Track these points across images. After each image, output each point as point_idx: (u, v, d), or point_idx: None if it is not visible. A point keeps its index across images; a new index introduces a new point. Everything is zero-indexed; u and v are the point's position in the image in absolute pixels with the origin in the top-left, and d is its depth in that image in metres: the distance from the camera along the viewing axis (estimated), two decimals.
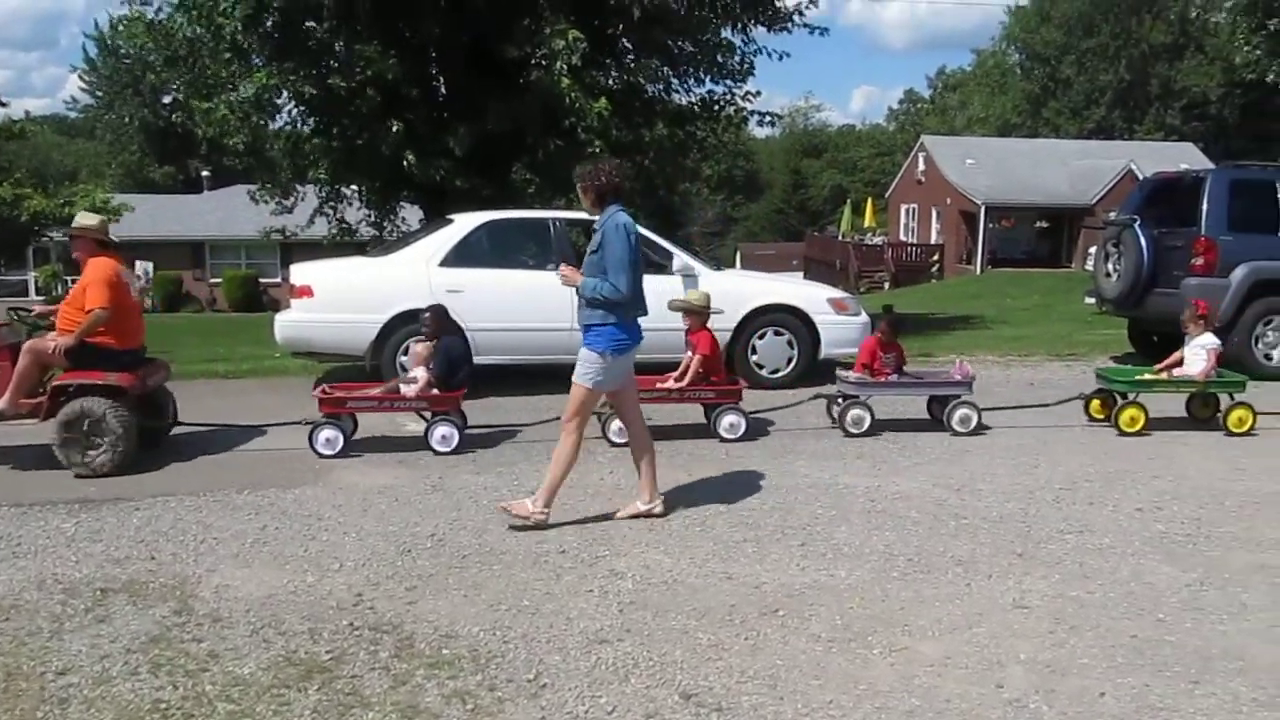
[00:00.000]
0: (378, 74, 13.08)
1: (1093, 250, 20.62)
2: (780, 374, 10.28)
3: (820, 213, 79.78)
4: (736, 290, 10.28)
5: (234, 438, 8.03)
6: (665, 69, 15.51)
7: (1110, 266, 12.56)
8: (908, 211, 51.74)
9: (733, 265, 60.02)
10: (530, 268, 10.23)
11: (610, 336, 5.72)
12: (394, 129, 13.30)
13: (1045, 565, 5.19)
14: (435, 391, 7.69)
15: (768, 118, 16.88)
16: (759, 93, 16.40)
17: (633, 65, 14.89)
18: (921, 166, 48.87)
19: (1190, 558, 5.35)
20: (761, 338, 10.25)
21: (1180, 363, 8.59)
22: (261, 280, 39.93)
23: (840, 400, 8.29)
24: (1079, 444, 8.05)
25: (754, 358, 10.25)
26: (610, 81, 14.62)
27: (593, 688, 3.85)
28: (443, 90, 14.77)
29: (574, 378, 5.74)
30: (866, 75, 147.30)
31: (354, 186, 16.17)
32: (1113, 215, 13.22)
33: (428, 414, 7.73)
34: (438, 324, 7.97)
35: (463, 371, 7.93)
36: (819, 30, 16.28)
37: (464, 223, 10.06)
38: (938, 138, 53.26)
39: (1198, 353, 8.49)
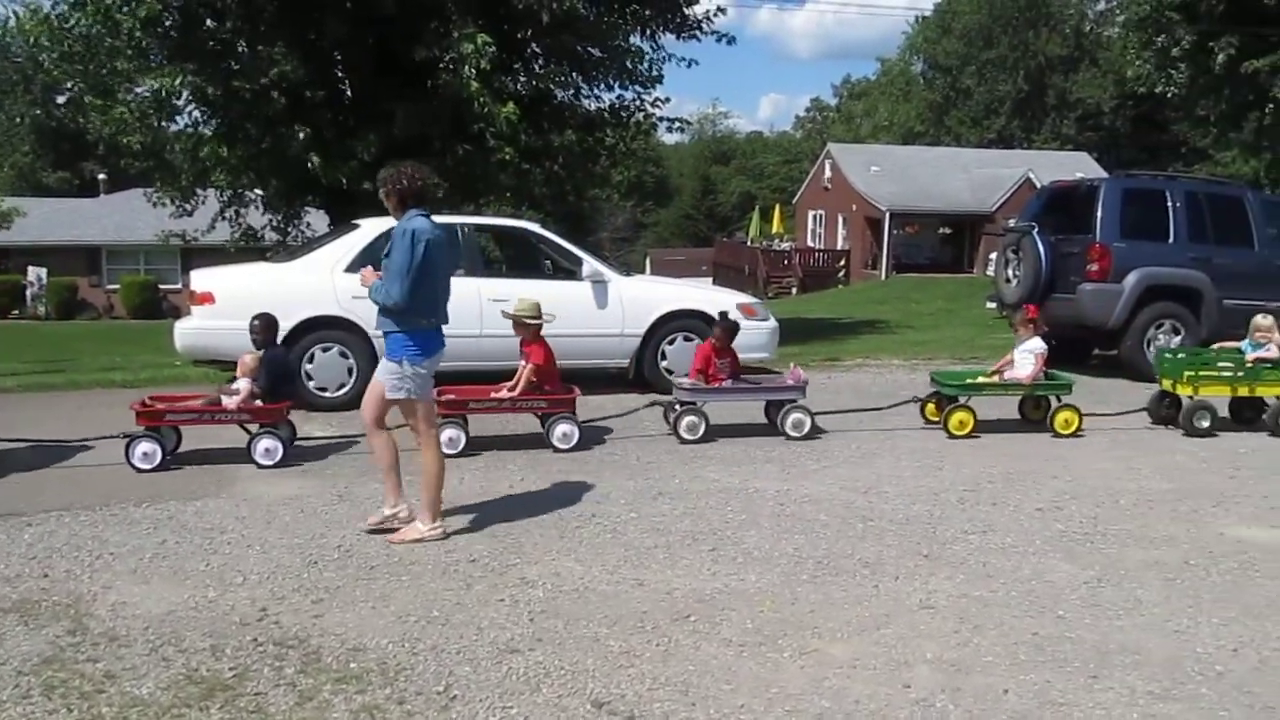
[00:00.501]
0: (282, 76, 12.84)
1: (993, 256, 21.12)
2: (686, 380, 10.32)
3: (729, 219, 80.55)
4: (646, 296, 10.31)
5: (55, 454, 7.59)
6: (575, 75, 15.51)
7: (1010, 272, 12.88)
8: (815, 218, 52.46)
9: (643, 271, 60.22)
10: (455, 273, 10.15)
11: (401, 344, 5.67)
12: (300, 135, 13.06)
13: (950, 566, 5.29)
14: (259, 403, 7.46)
15: (677, 124, 16.99)
16: (668, 99, 16.53)
17: (542, 71, 14.87)
18: (828, 173, 49.59)
19: (1088, 556, 5.50)
20: (671, 343, 10.28)
21: (1012, 365, 8.81)
22: (161, 286, 38.90)
23: (676, 407, 8.27)
24: (982, 446, 8.23)
25: (664, 363, 10.28)
26: (519, 87, 14.57)
27: (504, 698, 3.81)
28: (349, 94, 14.55)
29: (384, 391, 5.64)
30: (774, 83, 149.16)
31: (257, 190, 15.85)
32: (1012, 222, 13.58)
33: (252, 426, 7.46)
34: (266, 334, 7.78)
35: (294, 384, 7.75)
36: (727, 38, 16.44)
37: (371, 227, 9.90)
38: (844, 145, 54.13)
39: (1026, 356, 8.69)
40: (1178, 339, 11.90)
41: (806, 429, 8.15)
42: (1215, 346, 9.46)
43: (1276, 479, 7.28)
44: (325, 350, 9.34)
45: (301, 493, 6.58)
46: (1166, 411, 8.97)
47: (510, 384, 8.01)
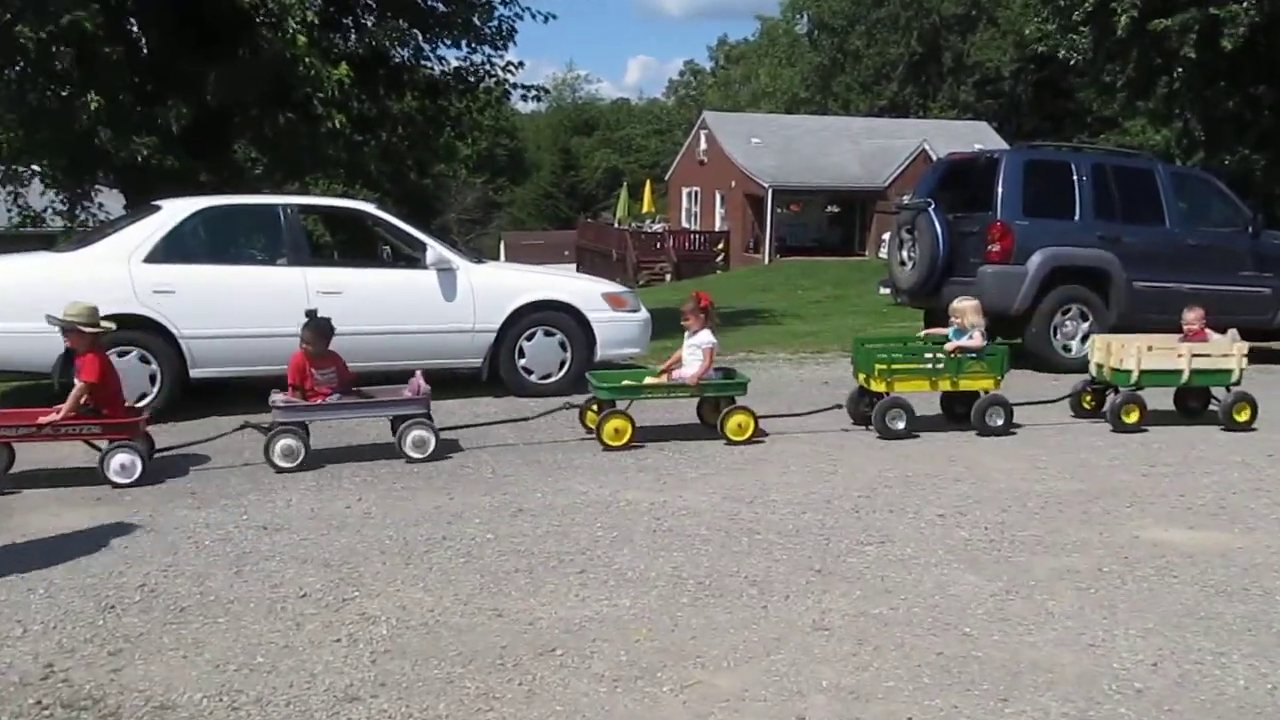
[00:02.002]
0: (75, 25, 12.21)
1: (886, 237, 21.67)
2: (552, 379, 10.33)
3: (594, 197, 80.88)
4: (500, 285, 10.27)
5: None
6: (414, 32, 15.32)
7: (905, 254, 13.21)
8: (689, 195, 53.04)
9: (496, 257, 59.98)
10: (257, 262, 9.96)
11: None
12: (91, 102, 12.53)
13: (845, 581, 5.38)
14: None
15: (532, 91, 16.95)
16: (521, 64, 16.49)
17: (376, 27, 14.62)
18: (704, 145, 50.16)
19: (995, 565, 5.66)
20: (530, 339, 10.28)
21: (681, 364, 8.66)
22: None
23: (271, 428, 7.77)
24: (878, 447, 8.41)
25: (522, 361, 10.25)
26: (351, 46, 14.32)
27: None
28: (146, 52, 14.06)
29: None
30: (642, 44, 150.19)
31: (37, 166, 15.22)
32: (906, 199, 13.91)
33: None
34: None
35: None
36: None
37: (175, 210, 9.63)
38: (721, 114, 54.88)
39: (694, 353, 8.54)
40: (1086, 325, 12.36)
41: (430, 448, 7.80)
42: (923, 333, 9.80)
43: (1192, 476, 7.62)
44: (122, 355, 8.99)
45: (94, 524, 6.34)
46: (865, 410, 8.97)
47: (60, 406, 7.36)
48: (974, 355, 8.76)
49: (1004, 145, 37.56)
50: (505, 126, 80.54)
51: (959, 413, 9.14)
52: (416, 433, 7.83)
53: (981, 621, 4.90)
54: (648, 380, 8.59)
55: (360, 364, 9.41)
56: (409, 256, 10.40)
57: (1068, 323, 12.40)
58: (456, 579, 5.40)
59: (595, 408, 8.66)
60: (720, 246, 46.42)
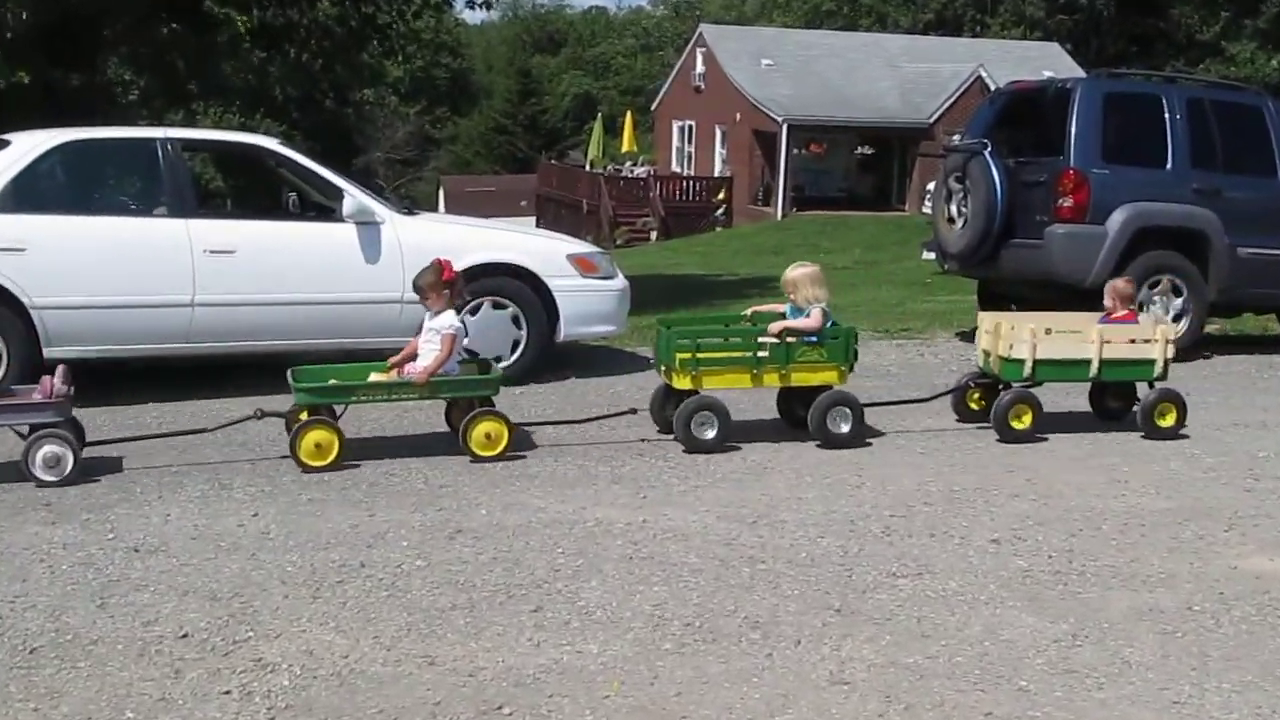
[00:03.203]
0: None
1: (931, 187, 21.71)
2: (502, 364, 10.30)
3: (559, 132, 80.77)
4: (437, 243, 10.19)
5: None
6: None
7: (953, 209, 13.23)
8: (682, 132, 53.07)
9: (433, 207, 59.74)
10: (130, 213, 9.94)
11: None
12: None
13: (872, 623, 5.41)
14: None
15: None
16: None
17: None
18: (700, 68, 50.14)
19: (1060, 603, 5.70)
20: (475, 312, 10.31)
21: (413, 358, 8.45)
22: None
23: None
24: (918, 452, 8.47)
25: (465, 341, 10.23)
26: None
27: None
28: None
29: None
30: None
31: None
32: (956, 139, 13.96)
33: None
34: None
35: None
36: None
37: (26, 146, 9.62)
38: (723, 28, 54.94)
39: (431, 340, 8.34)
40: (1179, 302, 12.38)
41: (69, 468, 7.47)
42: (751, 311, 9.35)
43: None
44: None
45: None
46: (670, 415, 8.75)
47: None
48: (810, 340, 8.53)
49: (1080, 73, 37.48)
50: (447, 41, 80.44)
51: (801, 416, 8.88)
52: (48, 449, 7.44)
53: (1041, 673, 4.94)
54: (373, 378, 8.37)
55: (258, 343, 9.42)
56: (321, 206, 10.40)
57: (1156, 299, 12.40)
58: (377, 617, 5.41)
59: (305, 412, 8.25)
60: (721, 197, 46.53)
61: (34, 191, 9.48)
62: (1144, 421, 9.00)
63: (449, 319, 8.27)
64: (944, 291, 18.24)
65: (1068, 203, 12.17)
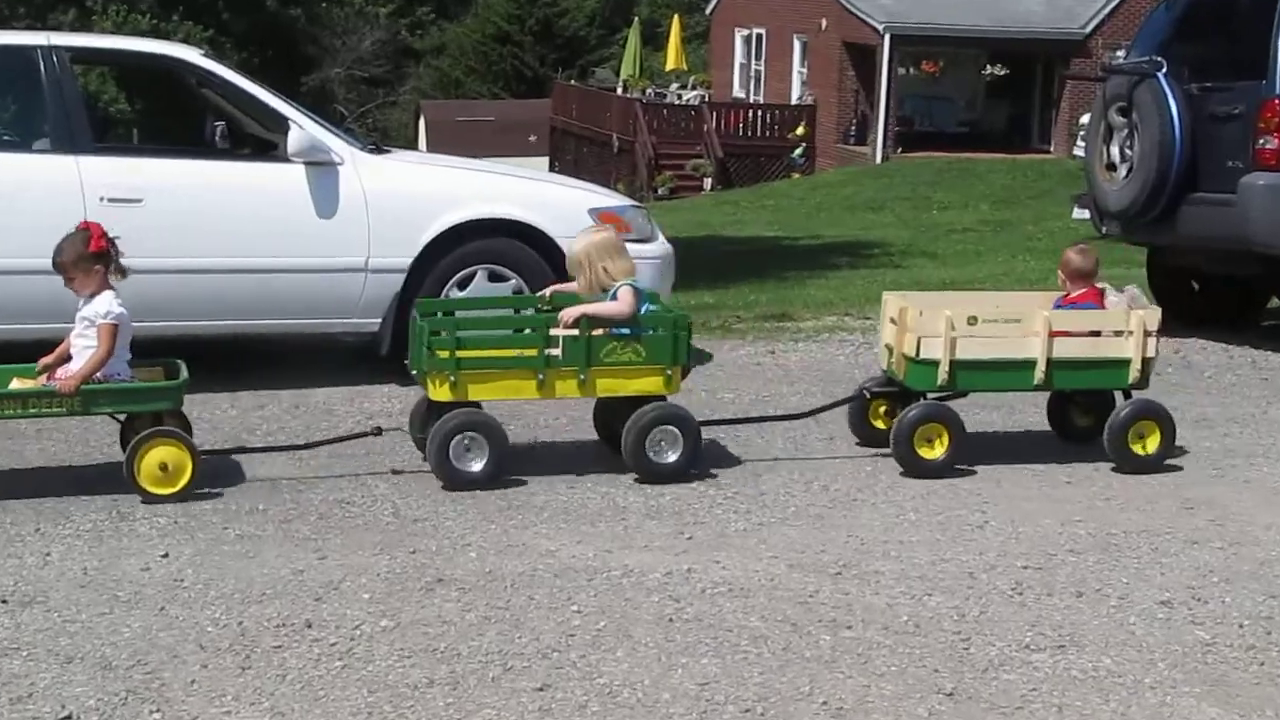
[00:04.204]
0: None
1: (1085, 121, 21.57)
2: None
3: (582, 43, 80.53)
4: (414, 192, 10.40)
5: None
6: None
7: (1114, 152, 13.14)
8: (747, 43, 53.02)
9: (411, 143, 59.76)
10: (2, 146, 9.96)
11: None
12: None
13: (996, 712, 5.39)
14: None
15: None
16: None
17: None
18: None
19: (1253, 689, 5.65)
20: (465, 285, 10.35)
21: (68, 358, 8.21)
22: None
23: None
24: (1062, 481, 8.45)
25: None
26: None
27: None
28: None
29: None
30: None
31: None
32: (1120, 57, 13.85)
33: None
34: None
35: None
36: None
37: None
38: None
39: (85, 334, 8.12)
40: None
41: None
42: (546, 291, 9.07)
43: None
44: None
45: None
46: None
47: None
48: (620, 333, 8.28)
49: None
50: None
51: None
52: None
53: None
54: (15, 384, 8.12)
55: (170, 324, 9.40)
56: (258, 141, 10.41)
57: None
58: (327, 696, 5.43)
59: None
60: (799, 132, 46.42)
61: None
62: (1112, 446, 8.67)
63: (105, 304, 8.04)
64: (1103, 263, 18.16)
65: (1271, 144, 12.05)
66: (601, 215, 10.55)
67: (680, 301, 11.76)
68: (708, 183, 44.75)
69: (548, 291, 8.96)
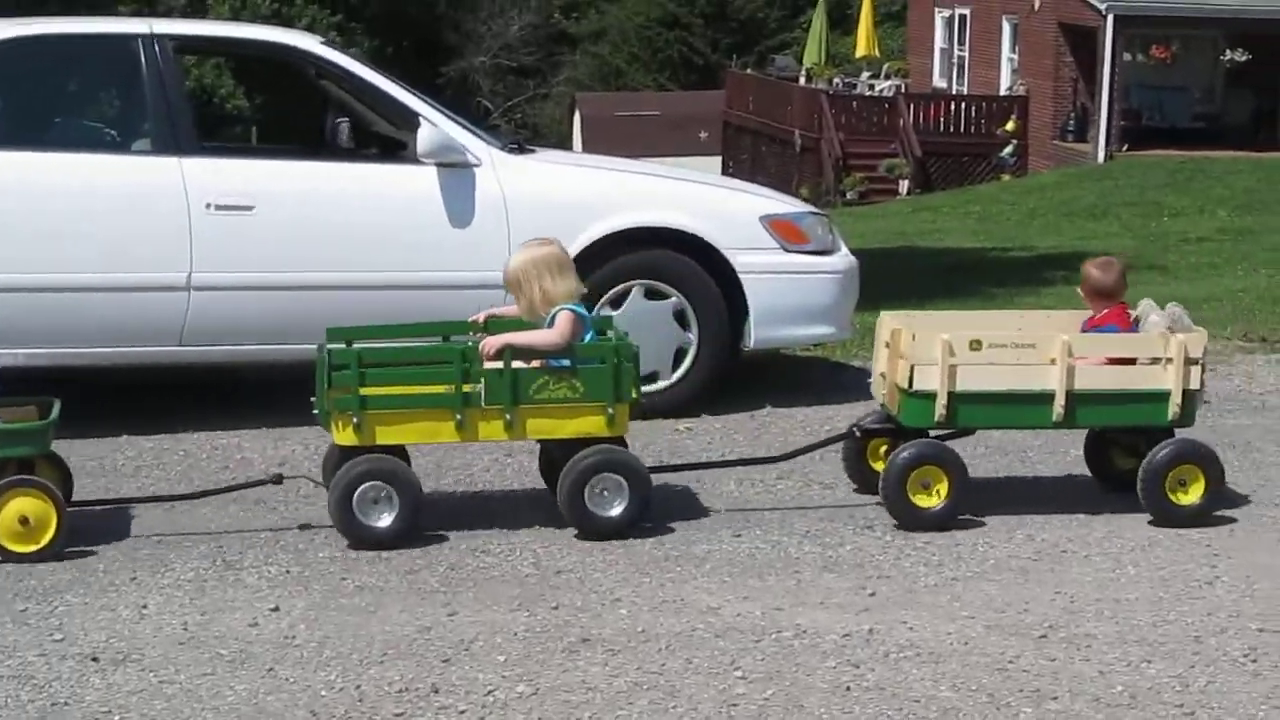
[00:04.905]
0: None
1: None
2: (660, 386, 10.35)
3: (759, 26, 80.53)
4: (560, 197, 10.47)
5: None
6: None
7: None
8: (949, 25, 52.82)
9: (565, 140, 59.94)
10: (98, 147, 10.15)
11: None
12: None
13: None
14: None
15: None
16: None
17: None
18: None
19: None
20: (616, 305, 10.39)
21: None
22: None
23: None
24: None
25: None
26: None
27: None
28: None
29: None
30: None
31: None
32: None
33: None
34: None
35: None
36: None
37: None
38: None
39: None
40: None
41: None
42: (480, 315, 8.76)
43: None
44: None
45: None
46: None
47: None
48: (556, 365, 8.16)
49: None
50: None
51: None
52: None
53: None
54: None
55: (283, 347, 9.51)
56: (386, 140, 10.49)
57: None
58: None
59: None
60: (1010, 128, 46.10)
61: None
62: (1146, 495, 8.39)
63: None
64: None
65: None
66: (774, 223, 10.56)
67: (869, 322, 11.74)
68: (904, 185, 44.58)
69: (481, 316, 8.70)
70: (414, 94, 10.42)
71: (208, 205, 9.65)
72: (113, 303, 9.54)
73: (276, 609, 6.98)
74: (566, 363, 8.06)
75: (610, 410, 8.07)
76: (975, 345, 8.22)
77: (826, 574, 7.54)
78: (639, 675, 6.27)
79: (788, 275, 10.54)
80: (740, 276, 10.40)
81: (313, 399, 8.30)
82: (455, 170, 10.12)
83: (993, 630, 6.80)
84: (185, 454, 9.74)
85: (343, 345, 8.34)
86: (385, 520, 7.94)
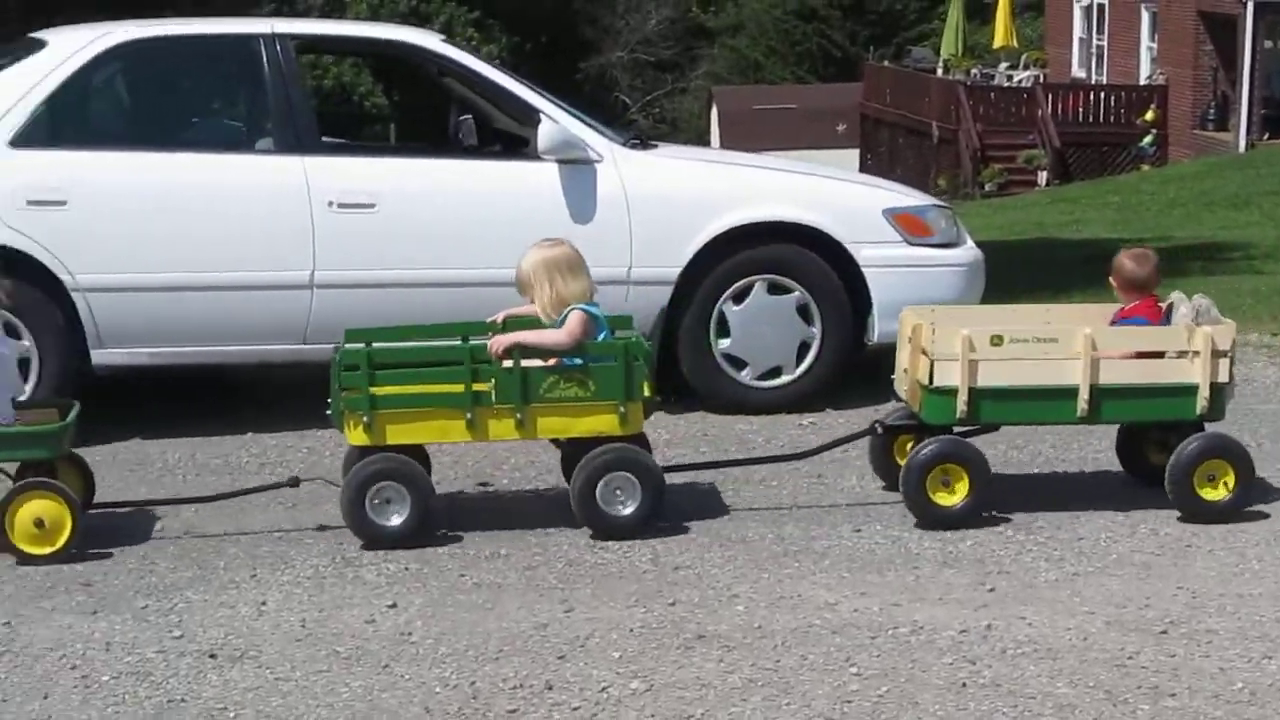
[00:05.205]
0: None
1: None
2: (784, 380, 10.35)
3: (898, 18, 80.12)
4: (682, 193, 10.47)
5: None
6: None
7: None
8: (1087, 15, 52.35)
9: (703, 135, 59.93)
10: (221, 147, 10.26)
11: None
12: None
13: None
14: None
15: None
16: None
17: None
18: None
19: None
20: (740, 300, 10.39)
21: None
22: None
23: None
24: None
25: (724, 344, 10.37)
26: None
27: None
28: None
29: None
30: None
31: None
32: None
33: None
34: None
35: None
36: None
37: (68, 49, 10.01)
38: None
39: None
40: None
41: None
42: (499, 316, 8.65)
43: None
44: None
45: None
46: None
47: None
48: (573, 364, 8.20)
49: None
50: None
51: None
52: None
53: None
54: None
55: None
56: (508, 136, 10.52)
57: None
58: None
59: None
60: (1149, 117, 45.64)
61: (80, 117, 9.86)
62: (1174, 490, 8.27)
63: None
64: None
65: None
66: (898, 216, 10.52)
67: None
68: (1042, 177, 44.23)
69: (500, 316, 8.64)
70: (535, 90, 10.46)
71: (330, 203, 9.74)
72: (237, 301, 9.62)
73: (394, 605, 7.04)
74: (579, 361, 8.07)
75: (622, 409, 8.05)
76: (996, 341, 8.16)
77: (946, 569, 7.52)
78: (753, 671, 6.27)
79: (911, 268, 10.49)
80: (863, 270, 10.37)
81: (329, 400, 8.30)
82: (577, 167, 10.15)
83: (1112, 626, 6.76)
84: (309, 450, 9.87)
85: (360, 346, 8.37)
86: (396, 519, 8.00)
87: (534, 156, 10.17)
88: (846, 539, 8.00)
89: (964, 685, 6.14)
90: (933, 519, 8.20)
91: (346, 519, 8.07)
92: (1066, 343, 8.15)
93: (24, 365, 9.50)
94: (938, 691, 6.08)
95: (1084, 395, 8.09)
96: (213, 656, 6.44)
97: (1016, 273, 13.49)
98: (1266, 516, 8.29)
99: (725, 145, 51.84)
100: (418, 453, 8.26)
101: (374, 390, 7.98)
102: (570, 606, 7.03)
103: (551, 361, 8.04)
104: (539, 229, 9.95)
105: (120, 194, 9.74)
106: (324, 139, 10.57)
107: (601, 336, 8.23)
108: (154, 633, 6.71)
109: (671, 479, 8.40)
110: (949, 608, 7.00)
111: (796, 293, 10.39)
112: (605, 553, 7.80)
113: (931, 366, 8.15)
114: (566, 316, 8.06)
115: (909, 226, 10.52)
